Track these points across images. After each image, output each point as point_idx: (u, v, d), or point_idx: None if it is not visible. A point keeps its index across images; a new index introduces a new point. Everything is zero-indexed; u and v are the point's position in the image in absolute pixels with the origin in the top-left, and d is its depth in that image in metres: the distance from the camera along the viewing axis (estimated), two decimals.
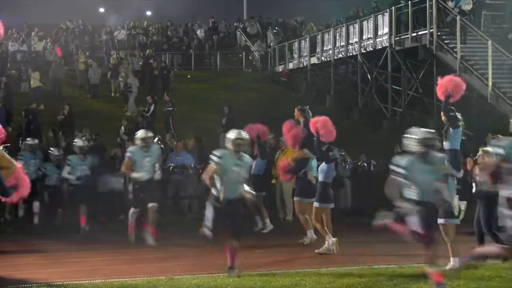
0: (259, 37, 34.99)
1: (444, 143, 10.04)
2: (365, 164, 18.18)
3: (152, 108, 22.43)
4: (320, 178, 11.66)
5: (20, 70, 27.55)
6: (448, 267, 9.73)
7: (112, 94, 27.59)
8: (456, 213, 9.78)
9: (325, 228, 11.55)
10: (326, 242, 11.48)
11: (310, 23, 33.01)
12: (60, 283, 9.09)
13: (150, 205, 12.37)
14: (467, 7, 22.35)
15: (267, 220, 14.40)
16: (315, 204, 11.62)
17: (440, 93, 10.07)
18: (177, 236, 13.15)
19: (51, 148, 16.49)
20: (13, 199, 7.61)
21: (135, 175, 12.53)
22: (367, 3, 29.93)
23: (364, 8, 29.95)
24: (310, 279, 8.90)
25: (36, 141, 16.44)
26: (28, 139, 16.59)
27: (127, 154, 12.71)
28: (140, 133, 12.77)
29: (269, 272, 9.52)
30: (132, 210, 12.71)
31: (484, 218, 10.77)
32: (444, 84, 10.00)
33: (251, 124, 14.53)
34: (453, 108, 9.96)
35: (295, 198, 12.67)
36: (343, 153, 14.00)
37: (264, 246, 12.54)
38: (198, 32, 35.20)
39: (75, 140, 15.63)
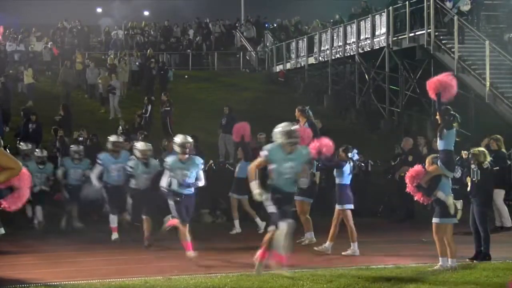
0: (256, 41, 34.99)
1: (438, 143, 10.05)
2: (362, 164, 18.18)
3: (149, 108, 22.41)
4: (338, 181, 11.68)
5: (17, 70, 27.52)
6: (436, 267, 9.74)
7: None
8: (452, 212, 9.77)
9: (335, 231, 11.58)
10: (328, 243, 11.54)
11: (316, 20, 32.88)
12: (57, 283, 9.08)
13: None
14: (465, 7, 22.35)
15: (258, 220, 14.41)
16: (338, 207, 11.63)
17: (430, 92, 10.08)
18: (174, 237, 13.11)
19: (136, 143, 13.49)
20: (4, 205, 7.26)
21: (271, 183, 9.40)
22: (359, 3, 29.99)
23: (358, 8, 29.98)
24: (307, 279, 8.89)
25: (121, 139, 14.11)
26: (111, 136, 13.88)
27: (263, 152, 9.42)
28: (282, 126, 9.43)
29: (266, 272, 9.51)
30: (282, 228, 9.19)
31: (479, 217, 10.78)
32: (432, 85, 9.99)
33: (238, 124, 14.52)
34: (449, 107, 9.95)
35: (298, 198, 12.65)
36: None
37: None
38: (189, 32, 35.24)
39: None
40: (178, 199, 10.93)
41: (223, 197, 16.56)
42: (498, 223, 14.50)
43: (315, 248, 11.52)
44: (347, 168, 11.63)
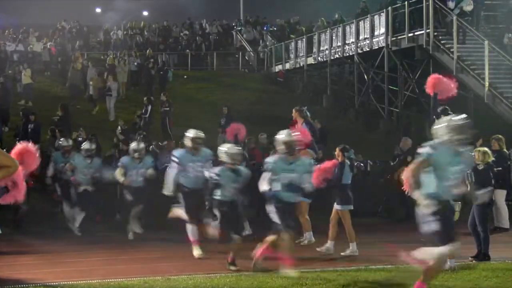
0: (255, 42, 34.98)
1: None
2: (361, 164, 18.16)
3: (149, 108, 22.40)
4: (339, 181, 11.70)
5: (14, 70, 27.49)
6: None
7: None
8: None
9: (335, 230, 11.58)
10: (330, 242, 11.54)
11: (322, 18, 32.78)
12: (56, 283, 9.08)
13: None
14: (468, 8, 22.31)
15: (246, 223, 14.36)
16: (337, 207, 11.63)
17: (429, 90, 10.05)
18: (173, 237, 13.11)
19: None
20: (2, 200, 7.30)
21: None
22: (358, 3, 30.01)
23: (358, 8, 29.97)
24: (306, 280, 8.89)
25: (201, 133, 11.38)
26: (189, 131, 11.49)
27: (425, 150, 7.54)
28: (448, 120, 7.84)
29: (266, 273, 9.51)
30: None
31: (478, 217, 10.76)
32: (431, 83, 9.98)
33: (234, 124, 14.48)
34: (447, 107, 9.94)
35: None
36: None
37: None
38: (182, 33, 35.20)
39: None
40: (280, 205, 9.50)
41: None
42: (497, 223, 14.50)
43: (318, 249, 11.50)
44: (347, 168, 11.63)
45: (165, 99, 22.76)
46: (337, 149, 11.83)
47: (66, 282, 9.09)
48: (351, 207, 11.72)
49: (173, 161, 11.24)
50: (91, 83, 25.91)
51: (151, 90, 26.47)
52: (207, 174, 10.41)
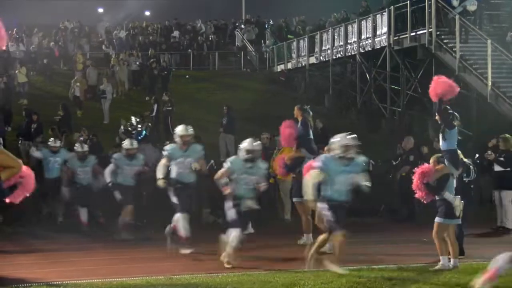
0: (257, 41, 34.95)
1: (441, 143, 10.01)
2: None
3: (155, 108, 22.38)
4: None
5: (15, 69, 27.51)
6: (437, 266, 9.73)
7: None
8: (457, 213, 9.72)
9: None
10: (328, 243, 11.49)
11: (334, 14, 32.64)
12: (58, 282, 9.08)
13: None
14: (472, 7, 22.23)
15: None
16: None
17: (432, 95, 10.04)
18: (174, 237, 13.10)
19: None
20: (11, 199, 7.33)
21: None
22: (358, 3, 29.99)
23: (358, 8, 29.96)
24: (308, 279, 8.89)
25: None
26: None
27: None
28: None
29: (268, 272, 9.51)
30: None
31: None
32: (435, 87, 9.97)
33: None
34: (448, 107, 9.93)
35: (295, 199, 12.62)
36: None
37: (262, 245, 12.52)
38: (174, 33, 35.16)
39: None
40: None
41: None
42: (500, 223, 14.47)
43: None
44: None
45: (168, 98, 22.77)
46: (325, 149, 11.86)
47: (68, 281, 9.10)
48: None
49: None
50: (78, 84, 25.66)
51: (153, 90, 26.48)
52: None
